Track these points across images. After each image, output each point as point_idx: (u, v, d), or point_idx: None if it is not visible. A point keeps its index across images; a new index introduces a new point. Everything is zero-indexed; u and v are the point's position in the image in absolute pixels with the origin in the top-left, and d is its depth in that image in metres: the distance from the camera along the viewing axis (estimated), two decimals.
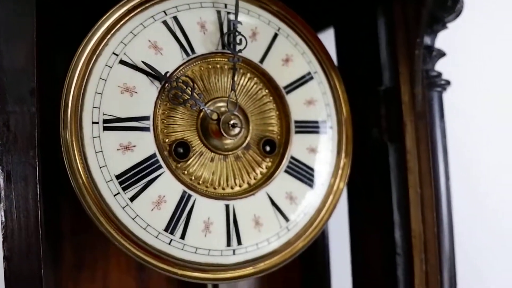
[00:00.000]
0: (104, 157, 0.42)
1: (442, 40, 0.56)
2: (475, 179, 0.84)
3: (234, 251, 0.47)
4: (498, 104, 0.85)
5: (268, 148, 0.51)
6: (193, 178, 0.47)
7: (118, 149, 0.43)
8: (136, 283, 0.57)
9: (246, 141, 0.49)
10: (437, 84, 0.55)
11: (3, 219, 0.37)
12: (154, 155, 0.44)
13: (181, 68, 0.46)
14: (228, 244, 0.46)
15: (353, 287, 0.61)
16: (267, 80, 0.51)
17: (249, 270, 0.47)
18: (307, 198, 0.51)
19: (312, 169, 0.51)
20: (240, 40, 0.48)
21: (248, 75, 0.50)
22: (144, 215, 0.43)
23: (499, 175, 0.85)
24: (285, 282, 0.64)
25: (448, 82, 0.56)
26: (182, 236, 0.44)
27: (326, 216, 0.51)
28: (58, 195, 0.54)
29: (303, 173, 0.51)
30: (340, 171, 0.53)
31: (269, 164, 0.51)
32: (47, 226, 0.47)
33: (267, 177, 0.50)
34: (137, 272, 0.57)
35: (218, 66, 0.49)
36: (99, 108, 0.43)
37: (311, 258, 0.64)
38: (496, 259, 0.84)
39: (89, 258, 0.55)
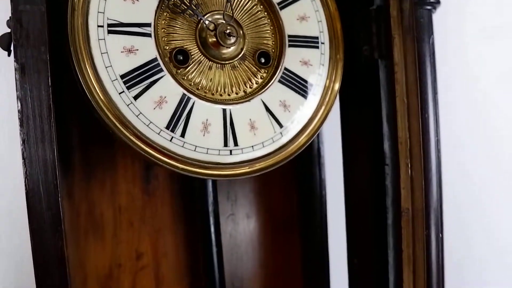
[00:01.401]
0: (109, 58, 0.45)
1: None
2: (464, 91, 0.87)
3: (231, 151, 0.50)
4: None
5: (263, 60, 0.54)
6: (192, 83, 0.50)
7: (122, 51, 0.46)
8: (142, 195, 0.61)
9: (242, 53, 0.53)
10: (426, 2, 0.57)
11: (20, 106, 0.41)
12: (155, 59, 0.47)
13: None
14: (225, 144, 0.50)
15: (345, 199, 0.64)
16: None
17: (245, 169, 0.51)
18: (299, 106, 0.54)
19: (305, 81, 0.54)
20: None
21: None
22: (147, 112, 0.47)
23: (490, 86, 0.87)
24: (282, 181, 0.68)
25: (438, 2, 0.58)
26: (182, 134, 0.48)
27: (318, 124, 0.55)
28: (66, 111, 0.57)
29: (296, 84, 0.54)
30: (330, 86, 0.56)
31: (264, 75, 0.54)
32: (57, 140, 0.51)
33: (262, 86, 0.53)
34: (144, 185, 0.61)
35: None
36: (103, 13, 0.46)
37: (306, 174, 0.68)
38: (484, 163, 0.87)
39: (98, 170, 0.59)
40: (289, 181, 0.69)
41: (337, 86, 0.56)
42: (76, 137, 0.58)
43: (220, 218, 0.61)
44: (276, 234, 0.69)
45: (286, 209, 0.69)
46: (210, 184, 0.60)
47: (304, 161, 0.69)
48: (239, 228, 0.67)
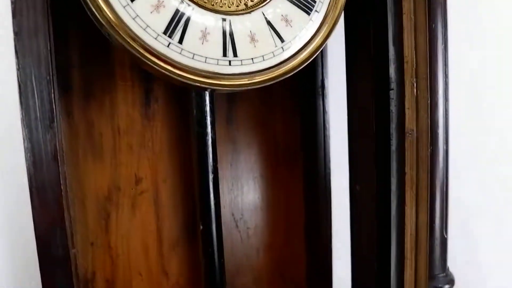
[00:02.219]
0: None
1: None
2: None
3: (230, 62, 0.49)
4: None
5: None
6: None
7: None
8: (142, 118, 0.61)
9: None
10: None
11: None
12: None
13: None
14: (224, 54, 0.49)
15: (348, 128, 0.63)
16: None
17: (245, 81, 0.50)
18: (302, 23, 0.52)
19: None
20: None
21: None
22: (144, 16, 0.45)
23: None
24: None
25: None
26: (180, 41, 0.47)
27: (321, 41, 0.53)
28: (66, 28, 0.56)
29: None
30: (334, 4, 0.54)
31: None
32: (56, 59, 0.50)
33: (263, 0, 0.51)
34: (143, 108, 0.61)
35: None
36: None
37: (310, 107, 0.67)
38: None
39: (97, 89, 0.58)
40: (292, 113, 0.68)
41: (340, 2, 0.54)
42: (75, 55, 0.57)
43: (219, 146, 0.61)
44: (278, 165, 0.68)
45: (289, 141, 0.68)
46: (208, 108, 0.58)
47: (307, 93, 0.68)
48: (240, 158, 0.66)
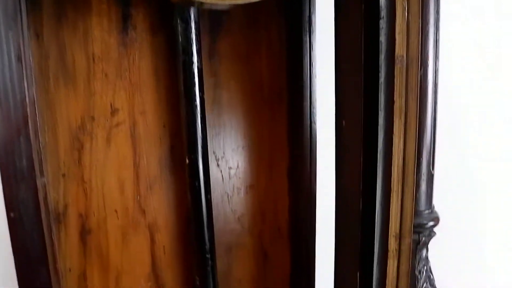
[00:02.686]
0: None
1: None
2: None
3: None
4: None
5: None
6: None
7: None
8: (118, 46, 0.57)
9: None
10: None
11: None
12: None
13: None
14: None
15: (335, 61, 0.61)
16: None
17: None
18: None
19: None
20: None
21: None
22: None
23: None
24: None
25: None
26: None
27: None
28: None
29: None
30: None
31: None
32: None
33: None
34: (120, 35, 0.57)
35: None
36: None
37: (296, 43, 0.64)
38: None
39: (69, 9, 0.54)
40: (277, 50, 0.65)
41: None
42: None
43: (204, 79, 0.58)
44: (262, 104, 0.65)
45: (274, 79, 0.65)
46: (194, 35, 0.55)
47: (294, 29, 0.65)
48: (222, 94, 0.63)
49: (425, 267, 0.60)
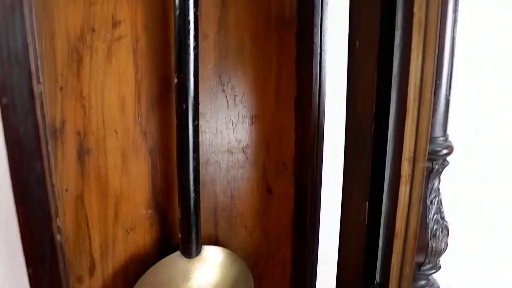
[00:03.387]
0: None
1: None
2: None
3: None
4: None
5: None
6: None
7: None
8: None
9: None
10: None
11: None
12: None
13: None
14: None
15: None
16: None
17: None
18: None
19: None
20: None
21: None
22: None
23: None
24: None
25: None
26: None
27: None
28: None
29: None
30: None
31: None
32: None
33: None
34: None
35: None
36: None
37: None
38: None
39: None
40: None
41: None
42: None
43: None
44: (271, 32, 0.62)
45: (283, 7, 0.62)
46: None
47: None
48: (231, 14, 0.59)
49: (437, 198, 0.57)
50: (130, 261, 0.61)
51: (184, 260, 0.60)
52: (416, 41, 0.50)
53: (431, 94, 0.51)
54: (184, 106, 0.54)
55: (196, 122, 0.56)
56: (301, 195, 0.69)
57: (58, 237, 0.45)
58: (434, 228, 0.57)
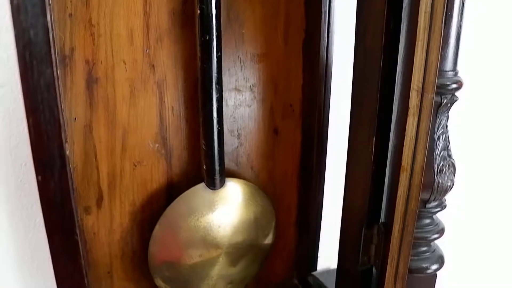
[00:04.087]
0: None
1: None
2: None
3: None
4: None
5: None
6: None
7: None
8: None
9: None
10: None
11: None
12: None
13: None
14: None
15: None
16: None
17: None
18: None
19: None
20: None
21: None
22: None
23: None
24: None
25: None
26: None
27: None
28: None
29: None
30: None
31: None
32: None
33: None
34: None
35: None
36: None
37: None
38: None
39: None
40: None
41: None
42: None
43: None
44: None
45: None
46: None
47: None
48: None
49: (444, 135, 0.57)
50: (137, 194, 0.62)
51: (208, 191, 0.61)
52: None
53: (441, 22, 0.50)
54: (208, 37, 0.54)
55: (219, 53, 0.56)
56: (307, 138, 0.69)
57: (66, 145, 0.46)
58: (441, 165, 0.56)
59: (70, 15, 0.53)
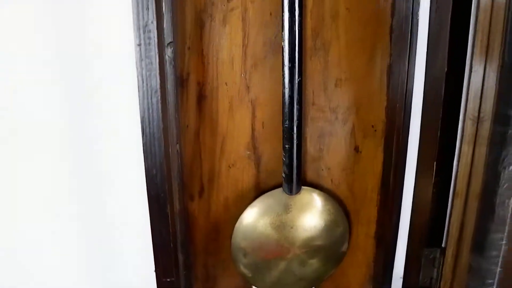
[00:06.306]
0: None
1: None
2: None
3: None
4: None
5: None
6: None
7: None
8: None
9: None
10: None
11: None
12: None
13: None
14: None
15: None
16: None
17: None
18: None
19: None
20: None
21: None
22: None
23: None
24: None
25: None
26: None
27: None
28: None
29: None
30: None
31: None
32: None
33: None
34: None
35: None
36: None
37: None
38: None
39: None
40: None
41: None
42: None
43: None
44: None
45: None
46: None
47: None
48: None
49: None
50: (229, 191, 0.76)
51: (285, 195, 0.72)
52: None
53: (499, 52, 0.50)
54: (290, 65, 0.65)
55: (300, 78, 0.66)
56: (388, 157, 0.72)
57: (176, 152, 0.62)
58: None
59: (189, 48, 0.70)
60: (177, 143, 0.70)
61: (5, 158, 0.77)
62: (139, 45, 0.64)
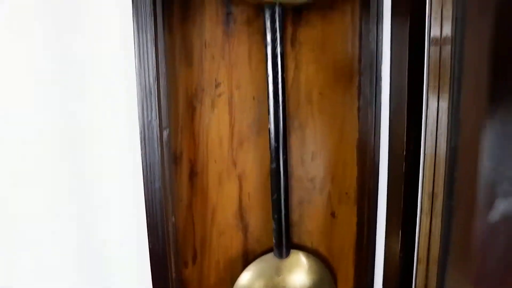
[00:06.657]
0: None
1: None
2: None
3: None
4: None
5: None
6: None
7: None
8: (222, 35, 0.77)
9: None
10: None
11: None
12: None
13: None
14: None
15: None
16: None
17: None
18: None
19: None
20: None
21: None
22: None
23: None
24: None
25: None
26: None
27: None
28: None
29: None
30: None
31: None
32: None
33: None
34: (224, 27, 0.76)
35: None
36: None
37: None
38: None
39: (191, 10, 0.76)
40: (351, 39, 0.77)
41: None
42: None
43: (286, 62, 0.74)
44: (336, 86, 0.78)
45: (347, 65, 0.78)
46: (278, 28, 0.71)
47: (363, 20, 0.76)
48: (301, 75, 0.78)
49: None
50: (221, 256, 0.82)
51: (276, 259, 0.79)
52: None
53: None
54: (276, 145, 0.74)
55: (285, 156, 0.75)
56: (361, 220, 0.82)
57: (171, 224, 0.69)
58: None
59: (181, 129, 0.78)
60: (172, 215, 0.77)
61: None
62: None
